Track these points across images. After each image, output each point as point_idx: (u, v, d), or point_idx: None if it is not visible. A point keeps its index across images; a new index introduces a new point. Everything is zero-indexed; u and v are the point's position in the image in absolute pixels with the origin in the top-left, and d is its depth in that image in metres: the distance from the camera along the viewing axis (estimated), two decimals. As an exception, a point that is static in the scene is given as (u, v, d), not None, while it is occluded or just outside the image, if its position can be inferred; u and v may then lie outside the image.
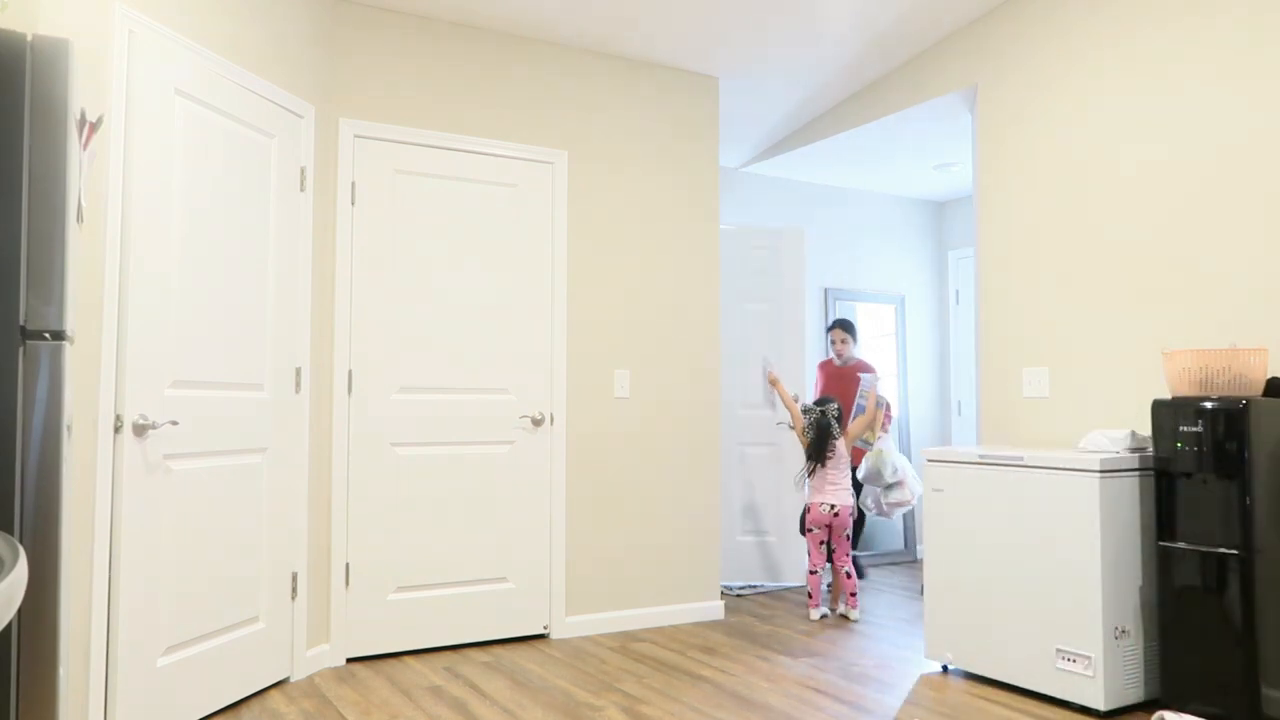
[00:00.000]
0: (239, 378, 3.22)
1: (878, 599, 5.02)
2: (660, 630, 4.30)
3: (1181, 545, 3.01)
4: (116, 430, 2.72)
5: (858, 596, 4.57)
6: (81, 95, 2.56)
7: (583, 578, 4.23)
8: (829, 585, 4.91)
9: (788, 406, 4.87)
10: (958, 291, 6.53)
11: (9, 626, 1.82)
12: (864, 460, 4.98)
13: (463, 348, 4.01)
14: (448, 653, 3.90)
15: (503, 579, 4.06)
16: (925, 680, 3.52)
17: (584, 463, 4.25)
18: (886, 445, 4.96)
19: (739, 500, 5.49)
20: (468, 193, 4.05)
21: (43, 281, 1.89)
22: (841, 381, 5.31)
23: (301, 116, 3.57)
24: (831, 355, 5.49)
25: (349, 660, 3.75)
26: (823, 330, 6.15)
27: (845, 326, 5.36)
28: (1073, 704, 3.18)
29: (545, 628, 4.14)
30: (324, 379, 3.73)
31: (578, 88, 4.33)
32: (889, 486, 4.98)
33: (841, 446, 4.65)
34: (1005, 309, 4.06)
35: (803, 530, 4.74)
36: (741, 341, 5.58)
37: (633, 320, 4.41)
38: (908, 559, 6.22)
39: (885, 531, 6.14)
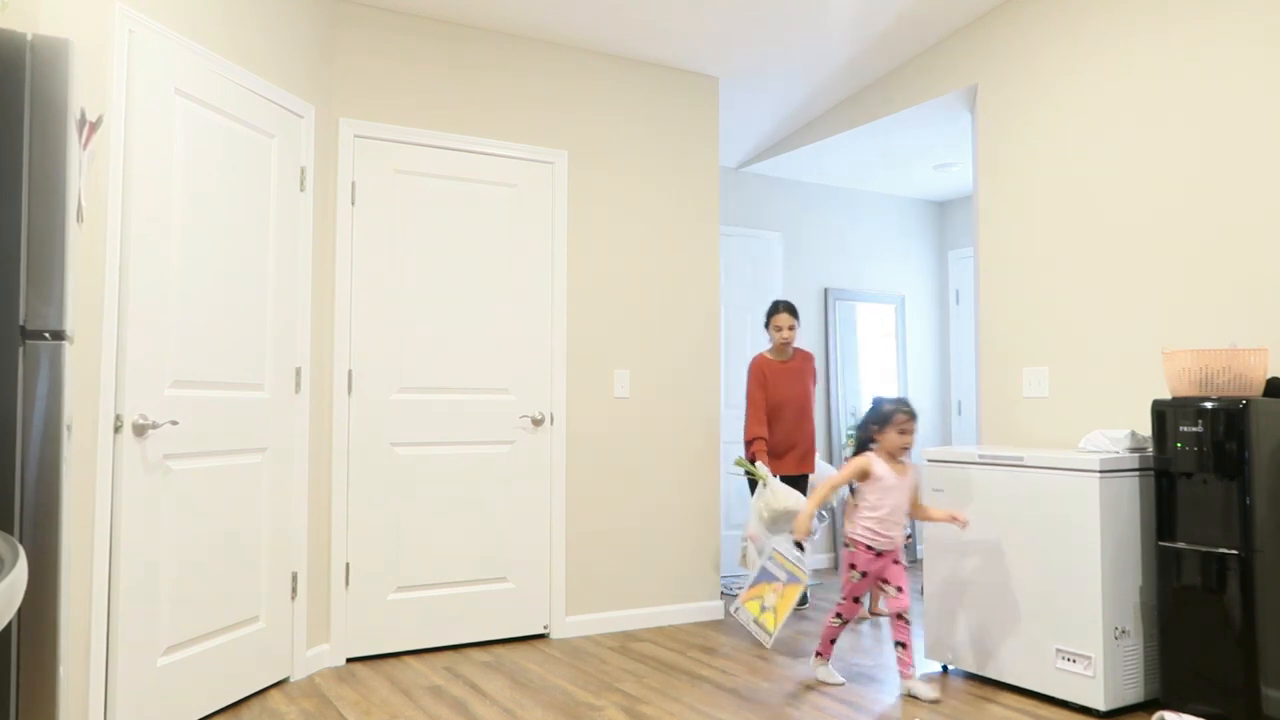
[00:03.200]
0: (239, 378, 3.22)
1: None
2: (660, 630, 4.30)
3: (1181, 545, 3.01)
4: (116, 430, 2.72)
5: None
6: (81, 95, 2.56)
7: (583, 578, 4.23)
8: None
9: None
10: (958, 291, 6.53)
11: (9, 626, 1.82)
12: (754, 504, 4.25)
13: (463, 348, 4.01)
14: (448, 653, 3.90)
15: (503, 579, 4.06)
16: (925, 680, 3.52)
17: (584, 463, 4.25)
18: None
19: (722, 497, 5.54)
20: (468, 193, 4.05)
21: (43, 281, 1.89)
22: (790, 380, 4.61)
23: (301, 116, 3.57)
24: (769, 350, 4.70)
25: (349, 660, 3.75)
26: (819, 330, 6.12)
27: (794, 310, 4.65)
28: (1073, 704, 3.18)
29: (545, 628, 4.14)
30: (324, 379, 3.73)
31: (578, 88, 4.33)
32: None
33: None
34: (1005, 309, 4.05)
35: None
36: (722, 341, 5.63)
37: (633, 320, 4.41)
38: (908, 559, 6.22)
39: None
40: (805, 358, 4.69)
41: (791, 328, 4.59)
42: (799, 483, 4.65)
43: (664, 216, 4.52)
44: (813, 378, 4.71)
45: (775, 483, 4.24)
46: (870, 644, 4.06)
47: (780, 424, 4.61)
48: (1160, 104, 3.50)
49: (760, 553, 4.18)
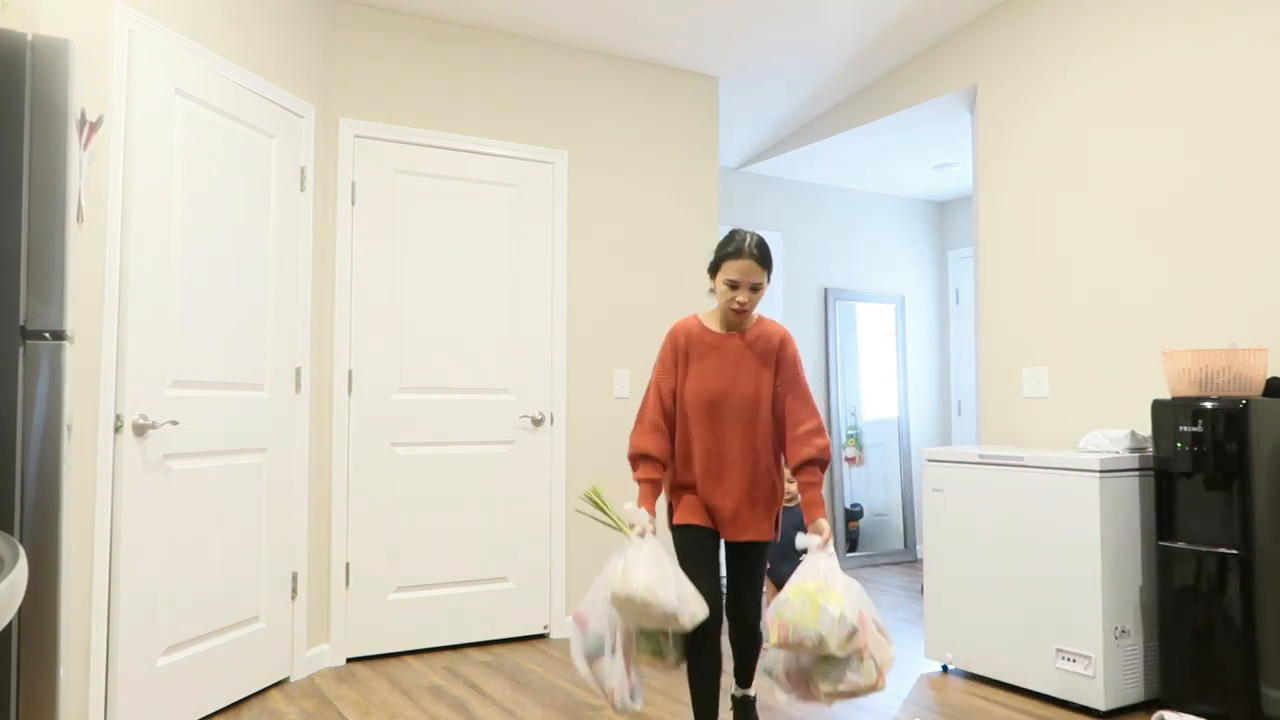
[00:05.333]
0: (239, 378, 3.22)
1: (878, 599, 5.02)
2: (660, 630, 4.30)
3: (1181, 545, 3.01)
4: (116, 430, 2.72)
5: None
6: (81, 95, 2.56)
7: (583, 578, 4.23)
8: None
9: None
10: (958, 291, 6.53)
11: (9, 626, 1.82)
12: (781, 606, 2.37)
13: (463, 348, 4.01)
14: (448, 653, 3.90)
15: (503, 579, 4.06)
16: (925, 680, 3.52)
17: (584, 463, 4.25)
18: (824, 569, 2.40)
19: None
20: (468, 193, 4.05)
21: (43, 281, 1.89)
22: (731, 363, 2.58)
23: (301, 116, 3.57)
24: (706, 312, 2.67)
25: (349, 660, 3.75)
26: (819, 330, 6.11)
27: (765, 256, 2.54)
28: (1073, 704, 3.18)
29: (545, 628, 4.14)
30: (324, 379, 3.73)
31: (578, 88, 4.33)
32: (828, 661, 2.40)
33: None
34: (1005, 309, 4.05)
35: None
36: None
37: (633, 320, 4.41)
38: (908, 559, 6.22)
39: (885, 531, 6.14)
40: (773, 335, 2.61)
41: (757, 288, 2.53)
42: (748, 557, 2.62)
43: (664, 216, 4.52)
44: (775, 368, 2.60)
45: (645, 549, 2.35)
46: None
47: (699, 443, 2.58)
48: (1160, 104, 3.50)
49: (599, 651, 2.43)
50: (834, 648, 2.32)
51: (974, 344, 5.13)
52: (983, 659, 3.43)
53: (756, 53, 4.41)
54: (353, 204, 3.82)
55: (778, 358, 2.61)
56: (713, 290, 2.62)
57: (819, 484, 2.54)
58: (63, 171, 1.91)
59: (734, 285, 2.54)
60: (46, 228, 1.89)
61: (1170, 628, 3.02)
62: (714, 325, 2.63)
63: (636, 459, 2.59)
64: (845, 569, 5.85)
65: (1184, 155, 3.43)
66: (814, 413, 2.59)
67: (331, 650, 3.71)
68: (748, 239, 2.55)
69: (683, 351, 2.62)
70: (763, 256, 2.54)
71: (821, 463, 2.54)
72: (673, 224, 4.54)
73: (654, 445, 2.58)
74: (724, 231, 5.69)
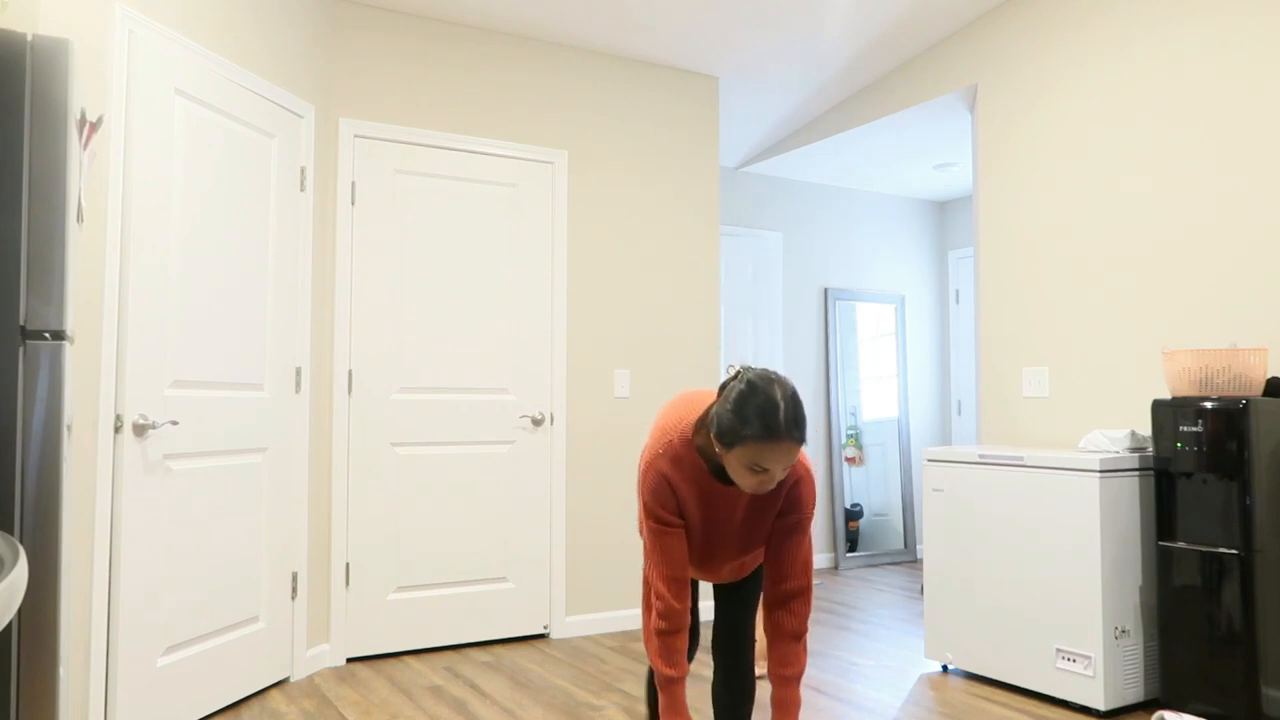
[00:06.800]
0: (239, 378, 3.22)
1: (878, 599, 5.03)
2: (660, 630, 4.30)
3: (1181, 545, 3.01)
4: (116, 430, 2.72)
5: None
6: (81, 95, 2.56)
7: (583, 578, 4.23)
8: None
9: None
10: (958, 291, 6.53)
11: (9, 626, 1.82)
12: None
13: (463, 348, 4.01)
14: (448, 653, 3.90)
15: (503, 579, 4.06)
16: (925, 680, 3.52)
17: (584, 463, 4.25)
18: None
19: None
20: (468, 193, 4.05)
21: (43, 281, 1.89)
22: (729, 506, 1.99)
23: (301, 116, 3.57)
24: (698, 443, 1.95)
25: (349, 660, 3.75)
26: (819, 330, 6.11)
27: (803, 429, 1.78)
28: (1073, 704, 3.18)
29: (545, 628, 4.14)
30: (324, 379, 3.73)
31: (578, 88, 4.33)
32: None
33: None
34: (1005, 309, 4.05)
35: None
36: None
37: (633, 320, 4.41)
38: (908, 559, 6.22)
39: (885, 531, 6.14)
40: (788, 474, 1.98)
41: (787, 470, 1.84)
42: (743, 579, 2.19)
43: (664, 216, 4.52)
44: (780, 506, 2.00)
45: None
46: (869, 644, 4.06)
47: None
48: (1161, 104, 3.50)
49: None
50: None
51: (974, 344, 5.13)
52: (983, 659, 3.43)
53: (756, 53, 4.41)
54: (352, 204, 3.82)
55: (787, 495, 1.99)
56: (712, 441, 1.85)
57: (796, 679, 1.96)
58: (63, 171, 1.91)
59: (759, 471, 1.79)
60: (46, 228, 1.89)
61: (1170, 628, 3.02)
62: (706, 462, 1.96)
63: (664, 636, 1.93)
64: (845, 569, 5.86)
65: (1184, 154, 3.43)
66: (806, 570, 2.00)
67: (331, 650, 3.71)
68: (782, 410, 1.75)
69: (681, 500, 1.98)
70: (803, 432, 1.79)
71: (799, 637, 1.98)
72: (673, 224, 4.54)
73: (684, 616, 1.95)
74: (724, 230, 5.69)
